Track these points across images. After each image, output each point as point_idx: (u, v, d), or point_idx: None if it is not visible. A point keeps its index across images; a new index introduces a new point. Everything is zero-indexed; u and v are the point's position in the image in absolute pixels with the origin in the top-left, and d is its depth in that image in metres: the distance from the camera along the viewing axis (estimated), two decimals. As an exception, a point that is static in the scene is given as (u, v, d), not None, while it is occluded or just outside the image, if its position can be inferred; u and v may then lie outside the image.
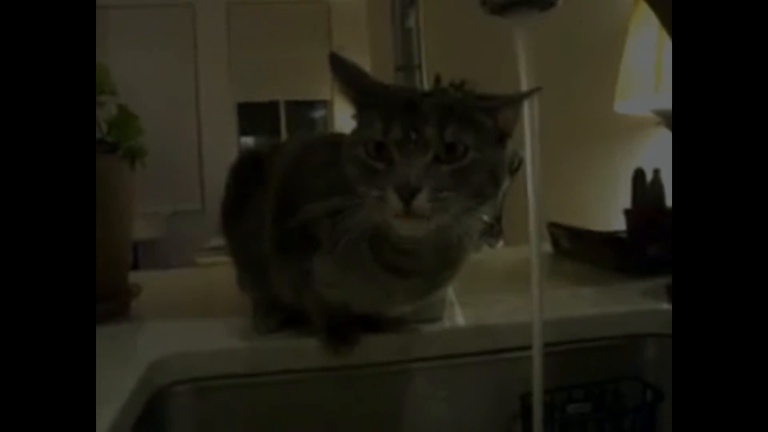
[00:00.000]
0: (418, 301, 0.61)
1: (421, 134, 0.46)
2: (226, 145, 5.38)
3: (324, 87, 5.41)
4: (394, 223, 0.47)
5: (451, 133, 0.46)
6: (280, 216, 0.61)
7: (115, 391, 0.52)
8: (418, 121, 0.46)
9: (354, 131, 0.51)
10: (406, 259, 0.54)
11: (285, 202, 0.61)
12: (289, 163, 0.64)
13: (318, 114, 5.73)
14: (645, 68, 1.45)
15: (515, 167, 0.77)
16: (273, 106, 5.59)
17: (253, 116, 5.63)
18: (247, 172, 0.71)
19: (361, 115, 0.51)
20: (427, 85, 0.80)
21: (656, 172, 0.98)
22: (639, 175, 0.99)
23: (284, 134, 5.61)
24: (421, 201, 0.45)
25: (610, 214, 1.09)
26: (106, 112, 0.73)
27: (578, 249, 1.03)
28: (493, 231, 0.81)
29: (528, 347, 0.57)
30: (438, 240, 0.51)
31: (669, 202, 0.96)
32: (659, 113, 1.22)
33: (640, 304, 0.74)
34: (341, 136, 0.65)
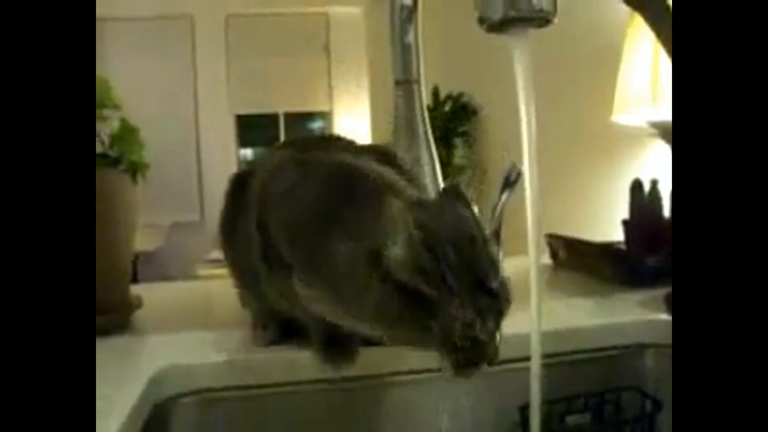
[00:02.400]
0: None
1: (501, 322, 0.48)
2: (225, 156, 5.40)
3: (323, 98, 5.43)
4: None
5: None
6: (261, 229, 0.61)
7: (117, 404, 0.53)
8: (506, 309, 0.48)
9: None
10: None
11: (266, 217, 0.61)
12: (264, 180, 0.64)
13: (317, 125, 5.75)
14: (642, 81, 1.46)
15: (513, 180, 0.78)
16: (272, 117, 5.61)
17: (253, 128, 5.65)
18: (242, 185, 0.72)
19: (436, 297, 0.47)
20: (425, 98, 0.80)
21: (654, 183, 0.99)
22: (637, 186, 1.00)
23: (283, 146, 5.62)
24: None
25: (609, 226, 1.09)
26: (108, 126, 0.73)
27: (577, 260, 1.03)
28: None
29: (527, 358, 0.57)
30: None
31: (667, 213, 0.97)
32: (655, 125, 1.23)
33: (639, 315, 0.75)
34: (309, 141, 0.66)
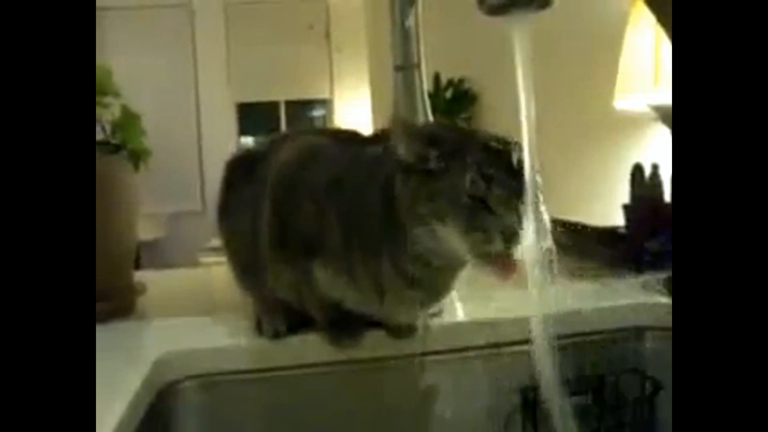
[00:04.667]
0: (420, 310, 0.63)
1: (522, 199, 0.52)
2: (226, 145, 5.37)
3: (323, 86, 5.42)
4: (481, 267, 0.53)
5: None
6: (279, 215, 0.62)
7: (122, 388, 0.53)
8: (519, 184, 0.52)
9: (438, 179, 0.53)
10: (433, 272, 0.57)
11: (285, 202, 0.62)
12: (291, 164, 0.65)
13: (318, 113, 5.73)
14: (643, 64, 1.46)
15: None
16: (273, 105, 5.59)
17: (253, 116, 5.63)
18: (241, 171, 0.72)
19: (441, 161, 0.53)
20: (426, 84, 0.80)
21: (654, 167, 0.99)
22: (637, 170, 1.00)
23: (284, 134, 5.61)
24: (518, 249, 0.52)
25: (609, 210, 1.09)
26: (109, 113, 0.73)
27: (577, 244, 1.03)
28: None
29: (527, 341, 0.58)
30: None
31: (667, 197, 0.97)
32: (656, 109, 1.22)
33: (639, 298, 0.75)
34: (341, 133, 0.66)
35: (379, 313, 0.63)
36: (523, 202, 0.52)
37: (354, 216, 0.58)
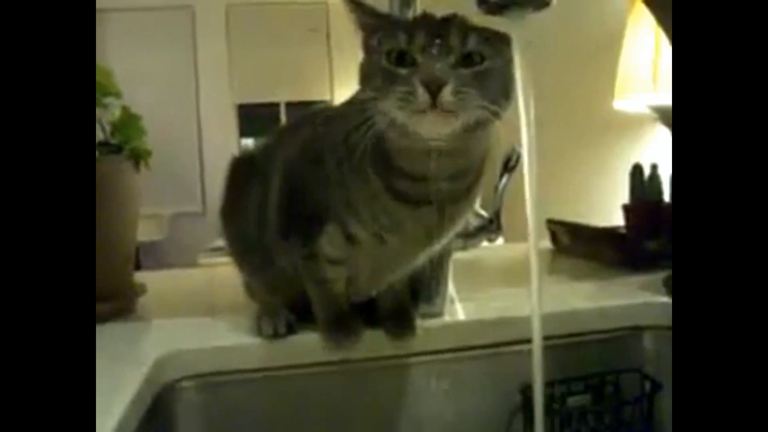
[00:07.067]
0: (427, 246, 0.61)
1: (445, 41, 0.50)
2: (226, 146, 5.36)
3: (324, 88, 5.41)
4: (416, 123, 0.50)
5: (472, 44, 0.51)
6: (286, 202, 0.63)
7: (122, 387, 0.53)
8: (442, 31, 0.51)
9: (369, 60, 0.55)
10: (416, 185, 0.56)
11: (291, 188, 0.63)
12: (295, 152, 0.65)
13: (318, 115, 5.73)
14: (643, 65, 1.46)
15: (513, 164, 0.79)
16: (273, 107, 5.59)
17: (254, 118, 5.62)
18: (243, 172, 0.72)
19: (375, 35, 0.54)
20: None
21: (654, 167, 1.00)
22: (637, 170, 1.00)
23: (284, 135, 5.59)
24: (447, 94, 0.48)
25: (609, 210, 1.10)
26: (110, 114, 0.74)
27: (577, 244, 1.04)
28: (491, 226, 0.82)
29: (528, 341, 0.58)
30: (449, 164, 0.55)
31: (666, 197, 0.97)
32: (656, 109, 1.23)
33: (639, 298, 0.75)
34: (335, 110, 0.67)
35: (378, 273, 0.64)
36: (449, 53, 0.50)
37: (344, 152, 0.57)
